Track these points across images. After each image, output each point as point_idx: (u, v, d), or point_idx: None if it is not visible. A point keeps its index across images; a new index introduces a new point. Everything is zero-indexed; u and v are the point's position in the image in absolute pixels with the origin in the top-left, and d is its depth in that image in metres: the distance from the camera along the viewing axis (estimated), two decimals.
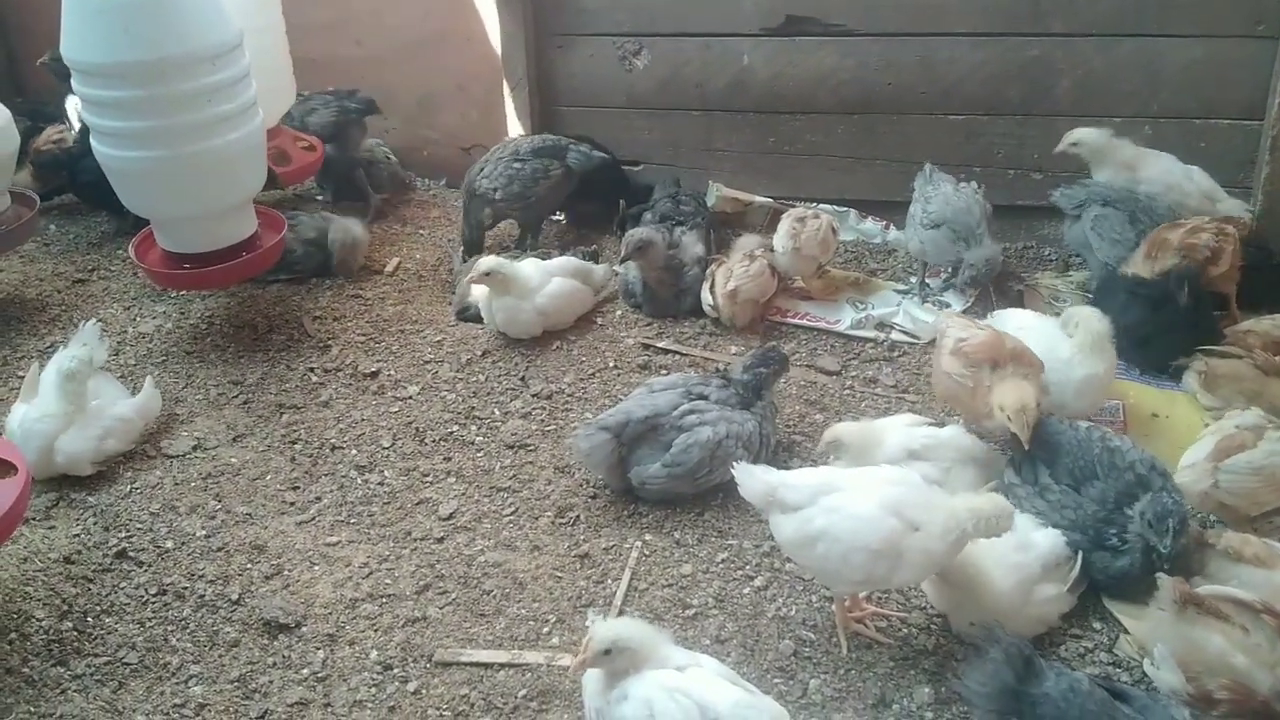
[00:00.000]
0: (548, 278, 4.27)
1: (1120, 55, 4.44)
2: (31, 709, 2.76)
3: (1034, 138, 4.67)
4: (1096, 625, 2.86)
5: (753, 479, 2.73)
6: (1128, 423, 3.59)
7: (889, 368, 4.02)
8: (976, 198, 4.32)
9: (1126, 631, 2.79)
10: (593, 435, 3.32)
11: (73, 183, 5.24)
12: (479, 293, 4.30)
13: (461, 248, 5.00)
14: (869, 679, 2.73)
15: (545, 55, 5.22)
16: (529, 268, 4.29)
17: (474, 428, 3.82)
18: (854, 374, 4.00)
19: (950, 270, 4.44)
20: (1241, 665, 2.43)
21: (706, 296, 4.32)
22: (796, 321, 4.34)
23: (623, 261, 4.43)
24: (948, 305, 4.38)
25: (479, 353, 4.24)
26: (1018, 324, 3.55)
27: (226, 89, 3.83)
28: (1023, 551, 2.80)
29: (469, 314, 4.50)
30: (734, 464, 2.79)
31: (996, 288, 4.44)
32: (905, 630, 2.88)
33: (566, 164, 4.88)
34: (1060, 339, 3.42)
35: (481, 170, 4.87)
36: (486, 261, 4.19)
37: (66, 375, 3.54)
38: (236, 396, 4.03)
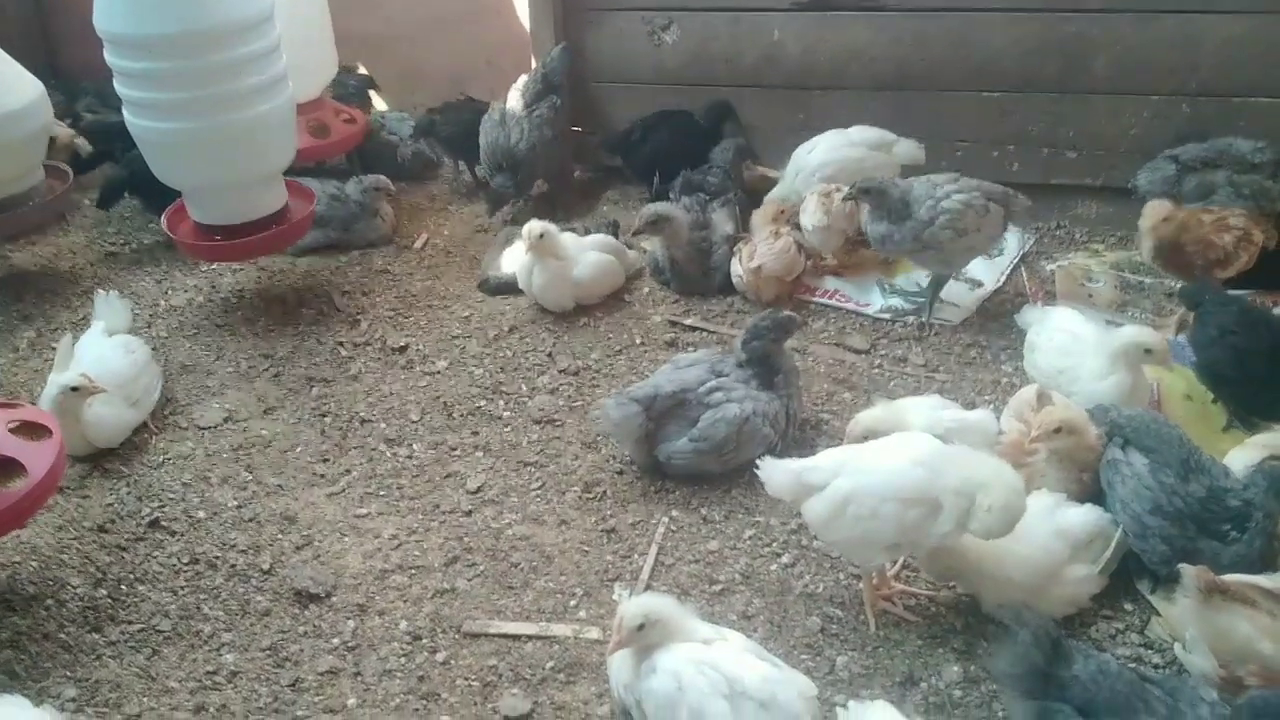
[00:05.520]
0: (584, 250, 4.30)
1: (1159, 31, 4.36)
2: (68, 674, 2.81)
3: (1069, 115, 4.61)
4: (1128, 607, 2.84)
5: (778, 471, 2.73)
6: (1160, 403, 3.55)
7: (918, 347, 3.99)
8: (986, 204, 3.86)
9: (1158, 614, 2.77)
10: (624, 405, 3.32)
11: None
12: (511, 259, 4.30)
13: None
14: (897, 657, 2.73)
15: (574, 30, 5.19)
16: (568, 238, 4.34)
17: (501, 403, 3.83)
18: (883, 353, 3.98)
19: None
20: (1269, 651, 2.42)
21: (735, 267, 4.31)
22: (825, 300, 4.31)
23: (634, 234, 4.41)
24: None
25: (506, 328, 4.25)
26: (1056, 325, 3.49)
27: (257, 60, 3.85)
28: (1052, 531, 2.77)
29: (490, 285, 4.51)
30: (757, 464, 2.79)
31: (1029, 269, 4.39)
32: (933, 609, 2.88)
33: (554, 89, 5.03)
34: (1091, 346, 3.32)
35: (509, 138, 4.91)
36: (537, 225, 4.15)
37: (54, 400, 3.39)
38: (267, 369, 4.06)
